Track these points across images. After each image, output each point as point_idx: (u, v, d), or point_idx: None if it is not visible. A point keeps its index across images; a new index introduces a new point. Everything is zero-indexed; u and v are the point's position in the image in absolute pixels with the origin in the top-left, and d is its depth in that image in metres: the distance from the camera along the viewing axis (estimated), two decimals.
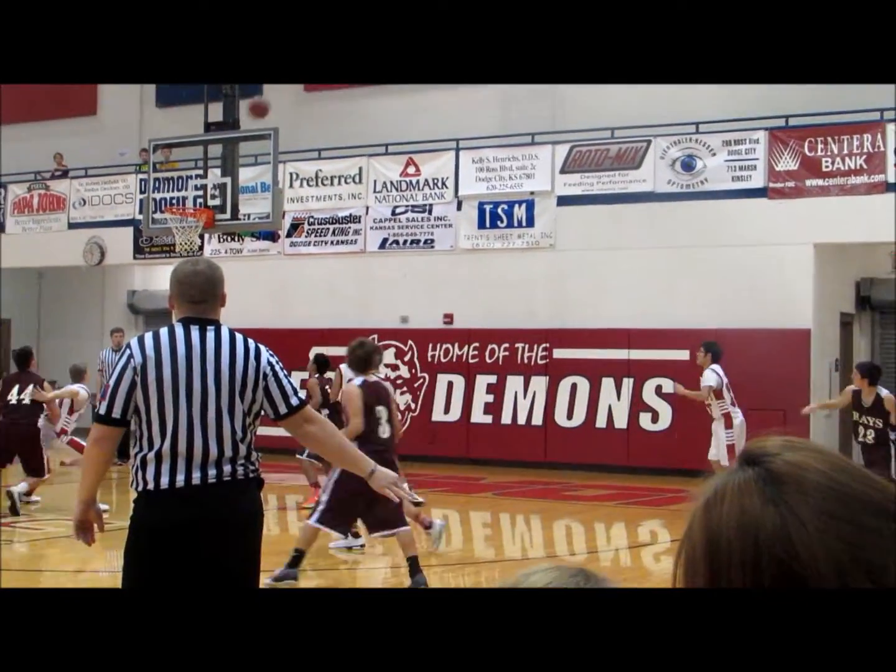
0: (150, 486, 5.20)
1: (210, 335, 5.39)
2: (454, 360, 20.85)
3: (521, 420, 20.31)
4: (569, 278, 20.33)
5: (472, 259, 21.15)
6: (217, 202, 17.82)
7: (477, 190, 21.27)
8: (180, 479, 5.19)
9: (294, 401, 5.54)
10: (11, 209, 26.31)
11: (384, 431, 10.51)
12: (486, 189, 21.21)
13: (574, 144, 20.77)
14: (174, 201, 20.68)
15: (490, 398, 20.56)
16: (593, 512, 15.87)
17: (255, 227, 19.28)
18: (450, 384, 20.89)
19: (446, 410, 20.94)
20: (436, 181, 21.58)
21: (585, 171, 20.61)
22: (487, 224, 21.13)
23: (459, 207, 21.39)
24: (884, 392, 13.04)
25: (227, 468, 5.24)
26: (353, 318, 21.53)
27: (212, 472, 5.22)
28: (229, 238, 22.94)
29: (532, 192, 20.88)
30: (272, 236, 22.42)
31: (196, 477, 5.19)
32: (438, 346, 20.97)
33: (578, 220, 20.45)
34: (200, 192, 18.30)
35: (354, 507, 9.97)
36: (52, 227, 25.69)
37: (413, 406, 21.13)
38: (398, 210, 21.87)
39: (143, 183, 23.78)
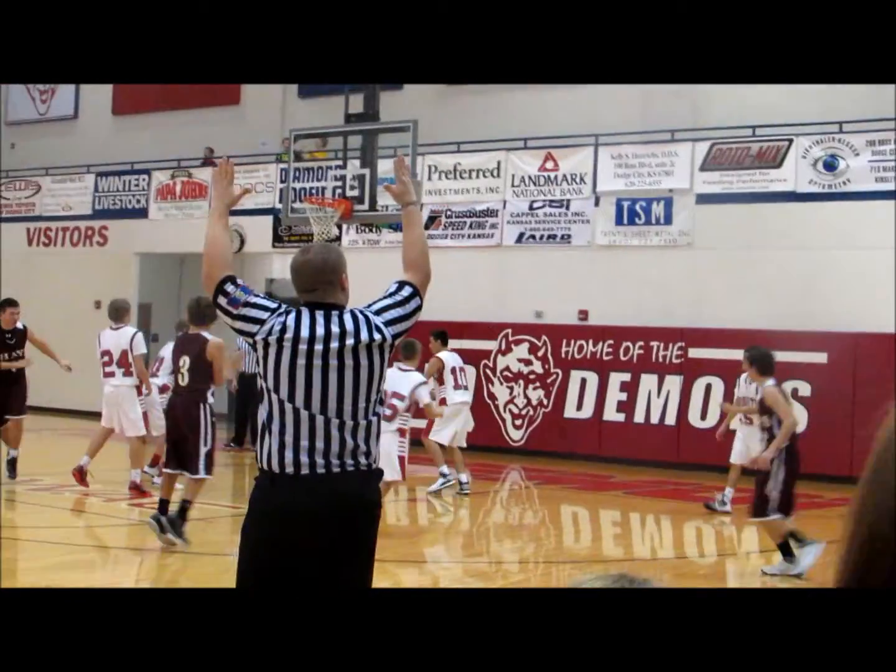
0: (276, 469, 5.14)
1: (334, 319, 5.36)
2: (588, 356, 20.75)
3: (654, 419, 20.15)
4: (706, 277, 20.13)
5: (609, 255, 21.04)
6: (356, 193, 17.94)
7: (615, 186, 21.14)
8: (305, 465, 5.13)
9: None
10: (155, 196, 26.80)
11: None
12: (624, 185, 21.08)
13: (714, 142, 20.55)
14: (313, 191, 20.90)
15: (623, 396, 20.43)
16: (724, 514, 15.69)
17: (393, 218, 19.36)
18: (583, 381, 20.81)
19: (579, 407, 20.85)
20: (574, 176, 21.49)
21: (725, 169, 20.38)
22: (625, 221, 21.00)
23: (597, 203, 21.29)
24: None
25: (349, 459, 5.18)
26: (487, 312, 21.58)
27: (335, 461, 5.16)
28: (367, 229, 23.11)
29: (671, 190, 20.71)
30: None
31: (320, 464, 5.13)
32: (573, 342, 20.89)
33: (717, 219, 20.23)
34: (339, 183, 18.42)
35: None
36: (194, 215, 26.10)
37: (545, 402, 21.08)
38: (535, 205, 21.83)
39: (283, 172, 24.07)
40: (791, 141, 19.84)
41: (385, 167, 19.45)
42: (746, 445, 14.66)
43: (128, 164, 28.01)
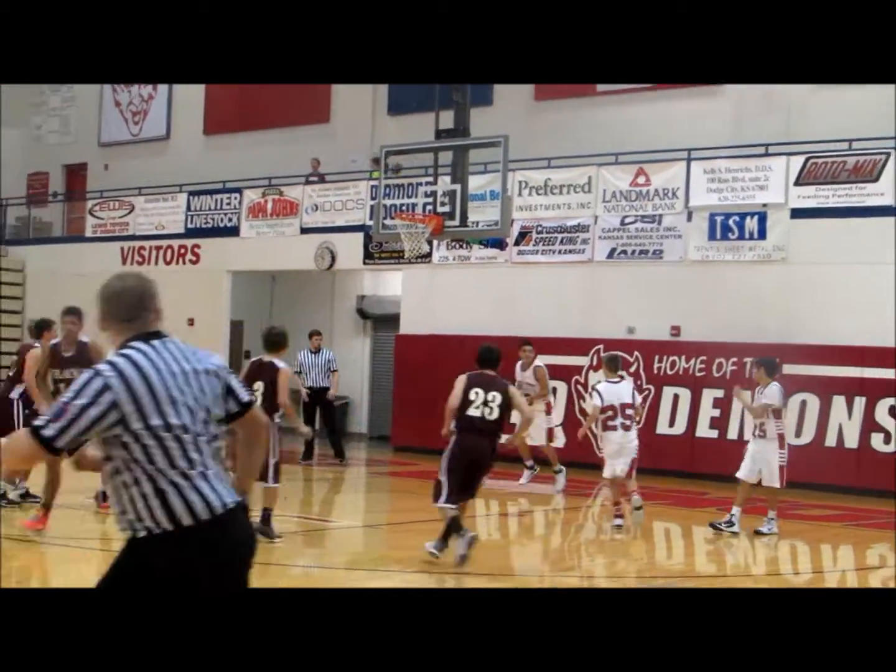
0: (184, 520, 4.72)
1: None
2: (680, 372, 20.54)
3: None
4: (800, 292, 19.86)
5: (702, 271, 20.84)
6: (446, 209, 17.91)
7: (708, 201, 20.94)
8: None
9: (245, 397, 5.09)
10: (246, 214, 26.98)
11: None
12: (717, 200, 20.87)
13: (809, 156, 20.27)
14: (404, 207, 20.92)
15: (716, 412, 20.17)
16: (819, 532, 15.44)
17: (484, 234, 19.37)
18: (675, 397, 20.60)
19: (671, 423, 20.64)
20: (666, 191, 21.32)
21: (821, 184, 20.10)
22: (718, 236, 20.79)
23: (690, 218, 21.10)
24: None
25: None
26: (578, 328, 21.46)
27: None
28: (457, 245, 23.09)
29: (765, 205, 20.46)
30: (500, 244, 22.48)
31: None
32: (665, 358, 20.69)
33: (812, 233, 19.97)
34: (430, 199, 18.43)
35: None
36: (285, 232, 26.25)
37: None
38: (627, 220, 21.68)
39: (373, 189, 24.12)
40: (888, 155, 19.52)
41: (476, 183, 19.46)
42: (755, 460, 14.38)
43: (219, 183, 28.25)
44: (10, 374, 13.86)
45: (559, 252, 22.37)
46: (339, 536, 13.82)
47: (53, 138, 35.56)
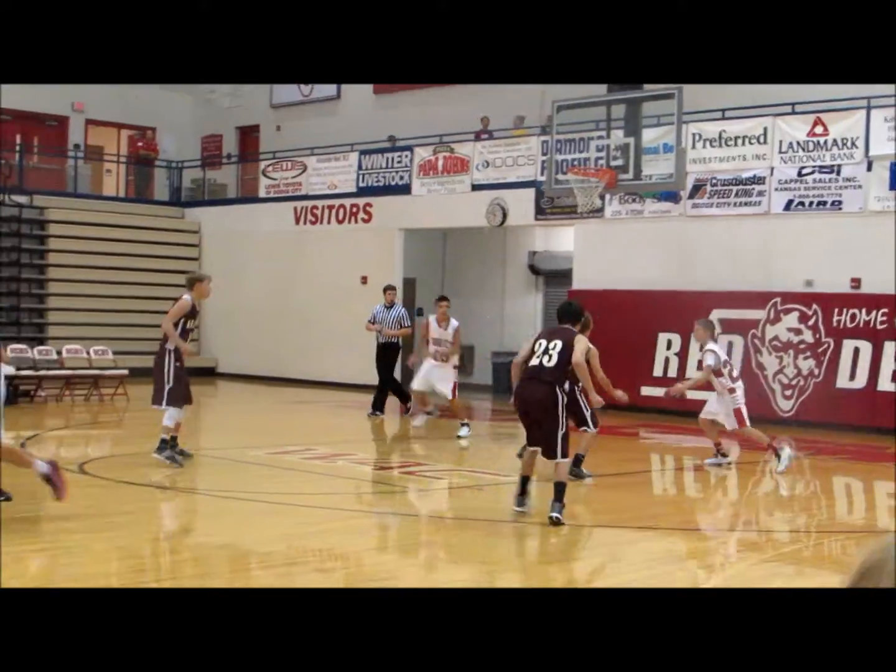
0: None
1: None
2: (861, 325, 20.09)
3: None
4: None
5: (882, 221, 20.30)
6: (619, 163, 17.79)
7: (889, 150, 20.37)
8: None
9: None
10: (417, 171, 27.10)
11: None
12: None
13: None
14: (575, 162, 20.82)
15: None
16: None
17: (658, 187, 19.20)
18: (856, 350, 20.16)
19: (851, 377, 20.22)
20: (845, 141, 20.81)
21: None
22: None
23: (869, 168, 20.56)
24: None
25: None
26: (754, 281, 21.13)
27: None
28: (630, 199, 22.87)
29: None
30: (674, 197, 22.23)
31: None
32: (844, 310, 20.25)
33: None
34: (602, 154, 18.31)
35: None
36: (456, 189, 26.31)
37: (816, 372, 20.52)
38: (804, 171, 21.23)
39: (544, 144, 24.04)
40: None
41: (649, 136, 19.27)
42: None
43: (390, 142, 28.40)
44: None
45: (734, 205, 22.02)
46: (506, 490, 13.85)
47: (226, 101, 36.13)
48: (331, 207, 28.81)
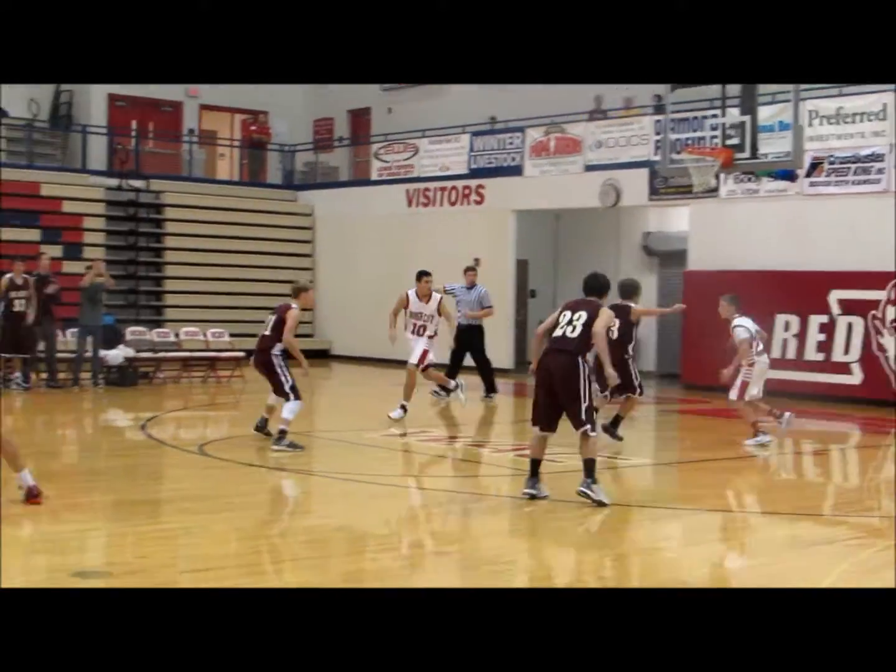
0: None
1: None
2: None
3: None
4: None
5: None
6: (735, 141, 17.51)
7: None
8: None
9: None
10: (529, 153, 27.00)
11: None
12: None
13: None
14: (689, 141, 20.57)
15: None
16: None
17: (775, 166, 18.81)
18: None
19: None
20: None
21: None
22: None
23: None
24: None
25: None
26: (874, 261, 20.72)
27: None
28: (746, 178, 22.55)
29: None
30: (790, 176, 21.82)
31: None
32: None
33: None
34: (716, 132, 18.05)
35: None
36: (569, 170, 26.17)
37: None
38: None
39: (657, 124, 23.80)
40: None
41: (764, 114, 18.95)
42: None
43: (502, 123, 28.33)
44: (268, 332, 14.28)
45: (853, 183, 21.63)
46: (631, 474, 13.77)
47: (337, 84, 36.26)
48: (443, 189, 28.82)
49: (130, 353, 22.36)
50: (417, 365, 17.05)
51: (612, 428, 15.12)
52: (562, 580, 8.34)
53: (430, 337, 17.17)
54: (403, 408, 16.79)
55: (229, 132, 35.77)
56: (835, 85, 22.14)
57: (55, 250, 25.73)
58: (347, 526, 10.03)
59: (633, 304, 15.12)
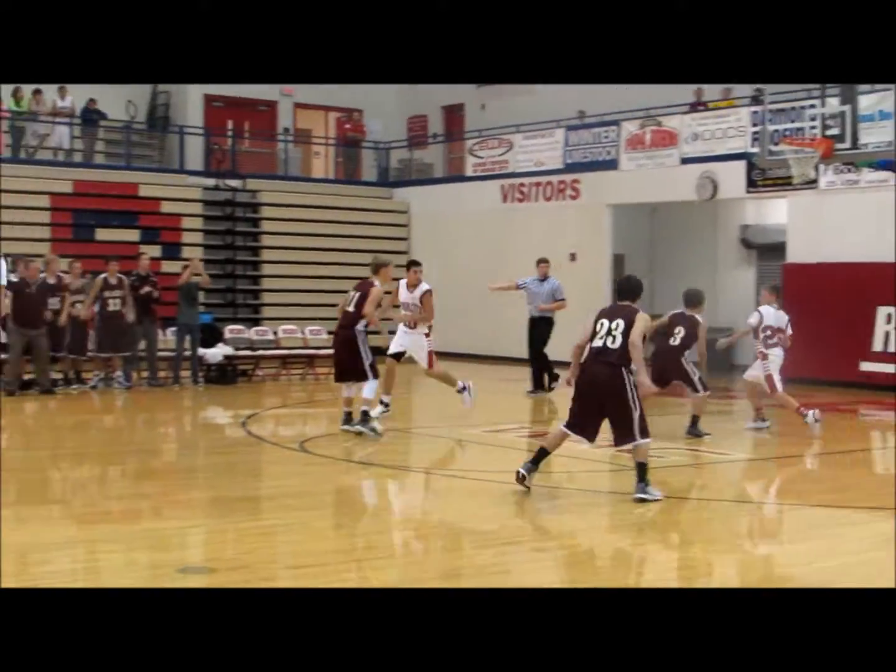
0: None
1: None
2: None
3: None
4: None
5: None
6: (835, 131, 17.28)
7: None
8: None
9: None
10: (625, 146, 26.83)
11: None
12: None
13: None
14: (788, 132, 20.34)
15: None
16: None
17: (876, 156, 18.54)
18: None
19: None
20: None
21: None
22: None
23: None
24: None
25: None
26: None
27: None
28: (845, 169, 22.23)
29: None
30: (891, 166, 21.48)
31: None
32: None
33: None
34: (815, 123, 17.82)
35: None
36: (665, 163, 25.96)
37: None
38: None
39: (754, 115, 23.54)
40: None
41: (865, 103, 18.66)
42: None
43: (596, 116, 28.20)
44: (351, 309, 14.58)
45: None
46: (731, 470, 13.64)
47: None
48: (538, 185, 28.74)
49: (229, 351, 22.56)
50: (429, 367, 16.80)
51: (693, 429, 15.31)
52: (662, 578, 8.27)
53: (427, 335, 16.90)
54: (465, 389, 16.90)
55: (324, 131, 35.97)
56: None
57: (154, 250, 25.99)
58: (448, 522, 10.03)
59: (699, 318, 15.36)
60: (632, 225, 28.05)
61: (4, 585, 6.82)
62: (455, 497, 11.03)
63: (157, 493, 10.95)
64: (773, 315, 15.77)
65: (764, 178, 23.82)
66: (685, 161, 25.51)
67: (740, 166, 24.28)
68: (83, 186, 27.66)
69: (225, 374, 21.94)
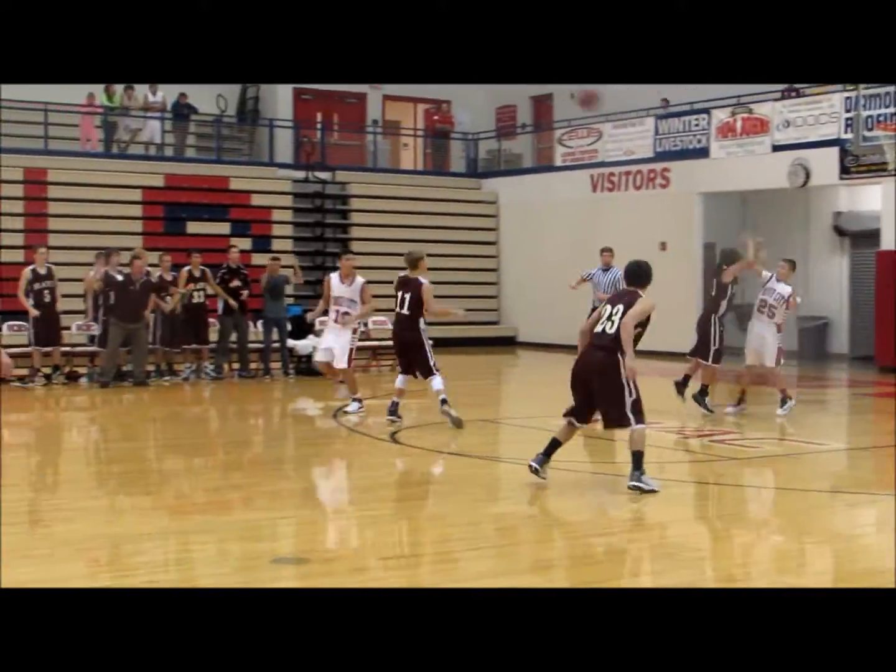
0: None
1: None
2: None
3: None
4: None
5: None
6: None
7: None
8: None
9: None
10: (715, 134, 26.59)
11: None
12: None
13: None
14: (882, 118, 20.05)
15: None
16: None
17: None
18: None
19: None
20: None
21: None
22: None
23: None
24: None
25: None
26: None
27: None
28: None
29: None
30: None
31: None
32: None
33: None
34: None
35: None
36: (756, 151, 25.70)
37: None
38: None
39: (847, 101, 23.21)
40: None
41: None
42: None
43: (687, 105, 27.97)
44: (406, 311, 14.65)
45: None
46: (826, 460, 13.45)
47: None
48: (627, 174, 28.58)
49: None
50: (348, 365, 16.22)
51: (701, 397, 15.91)
52: (750, 571, 8.17)
53: (354, 332, 16.37)
54: (358, 401, 16.43)
55: (412, 122, 36.02)
56: None
57: (244, 243, 26.19)
58: (537, 513, 10.00)
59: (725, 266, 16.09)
60: (723, 213, 27.77)
61: (99, 581, 6.88)
62: (546, 488, 10.97)
63: (248, 483, 11.01)
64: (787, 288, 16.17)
65: (857, 164, 23.47)
66: (777, 148, 25.22)
67: (833, 153, 23.96)
68: (174, 180, 27.95)
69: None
